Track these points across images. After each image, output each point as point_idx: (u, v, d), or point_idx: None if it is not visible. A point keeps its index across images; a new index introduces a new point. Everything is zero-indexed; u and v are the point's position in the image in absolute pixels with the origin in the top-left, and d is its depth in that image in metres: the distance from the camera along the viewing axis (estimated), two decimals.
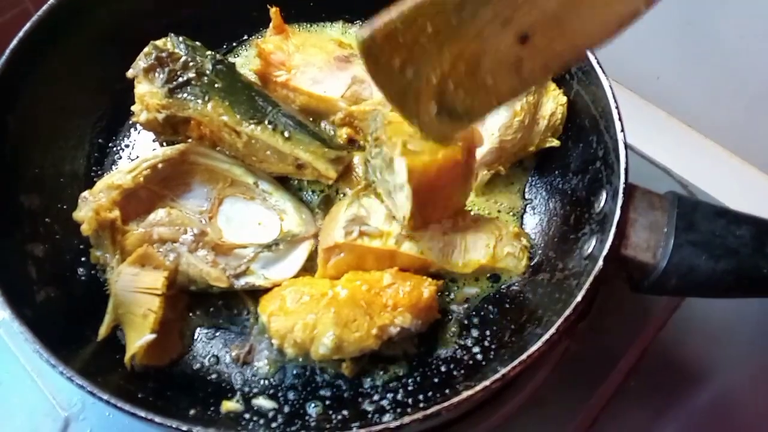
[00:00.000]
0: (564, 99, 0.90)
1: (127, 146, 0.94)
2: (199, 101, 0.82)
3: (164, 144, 0.90)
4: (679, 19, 1.14)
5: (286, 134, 0.83)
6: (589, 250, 0.76)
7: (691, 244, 0.72)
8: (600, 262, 0.70)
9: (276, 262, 0.83)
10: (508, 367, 0.64)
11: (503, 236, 0.84)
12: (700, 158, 1.23)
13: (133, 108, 0.85)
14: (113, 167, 0.92)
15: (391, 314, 0.71)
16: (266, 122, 0.83)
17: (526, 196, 0.93)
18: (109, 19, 0.91)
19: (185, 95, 0.82)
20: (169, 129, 0.86)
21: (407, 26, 0.60)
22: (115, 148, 0.94)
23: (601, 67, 0.83)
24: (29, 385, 0.85)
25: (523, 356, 0.64)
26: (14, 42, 0.82)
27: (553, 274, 0.81)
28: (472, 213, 0.87)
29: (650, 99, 1.28)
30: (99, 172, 0.91)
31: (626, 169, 0.76)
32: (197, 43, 0.87)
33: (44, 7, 0.84)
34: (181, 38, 0.85)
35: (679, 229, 0.73)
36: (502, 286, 0.85)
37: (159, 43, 0.84)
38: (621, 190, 0.74)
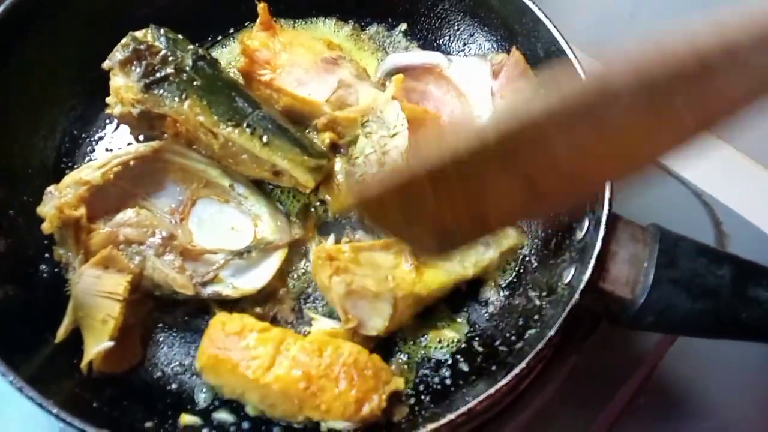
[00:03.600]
0: None
1: (101, 138, 0.91)
2: (176, 99, 0.79)
3: (139, 138, 0.87)
4: (698, 12, 1.13)
5: (265, 139, 0.80)
6: (568, 279, 0.75)
7: (671, 281, 0.70)
8: (576, 295, 0.68)
9: (246, 271, 0.80)
10: (474, 402, 0.62)
11: None
12: (716, 164, 1.21)
13: (107, 100, 0.81)
14: (85, 159, 0.89)
15: (321, 416, 0.68)
16: (244, 125, 0.80)
17: None
18: (88, 4, 0.87)
19: (161, 91, 0.79)
20: (144, 124, 0.83)
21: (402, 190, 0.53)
22: (88, 139, 0.90)
23: None
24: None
25: (491, 390, 0.63)
26: None
27: (529, 300, 0.79)
28: None
29: None
30: (70, 164, 0.88)
31: (610, 200, 0.74)
32: (179, 36, 0.84)
33: None
34: (162, 30, 0.82)
35: (660, 265, 0.71)
36: (477, 317, 0.83)
37: (138, 34, 0.81)
38: (603, 221, 0.72)
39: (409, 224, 0.57)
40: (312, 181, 0.83)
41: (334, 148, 0.90)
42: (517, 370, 0.64)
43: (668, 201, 1.04)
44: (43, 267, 0.79)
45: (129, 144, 0.89)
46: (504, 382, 0.63)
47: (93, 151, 0.90)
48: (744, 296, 0.69)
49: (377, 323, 0.76)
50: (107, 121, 0.91)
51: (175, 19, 0.88)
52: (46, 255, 0.79)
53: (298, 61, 0.91)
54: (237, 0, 0.96)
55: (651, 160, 0.54)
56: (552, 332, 0.66)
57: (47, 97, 0.86)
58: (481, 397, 0.62)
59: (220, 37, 1.00)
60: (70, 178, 0.78)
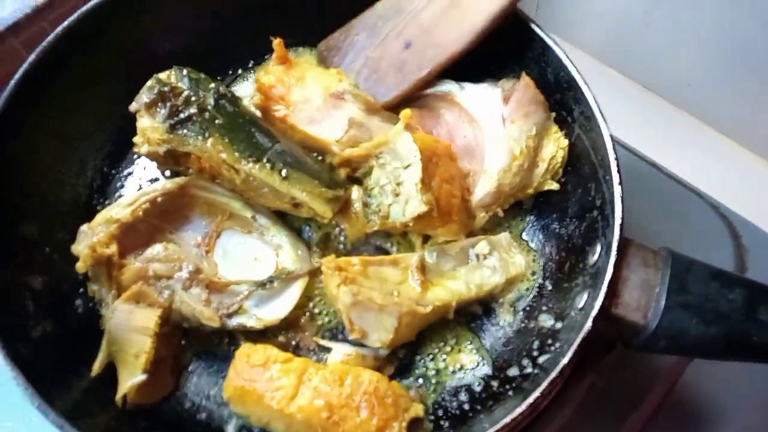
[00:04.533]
0: (565, 142, 0.89)
1: (130, 174, 0.95)
2: (199, 138, 0.82)
3: (166, 174, 0.91)
4: (711, 25, 1.13)
5: (284, 173, 0.84)
6: (581, 305, 0.76)
7: (683, 306, 0.72)
8: (589, 323, 0.70)
9: (269, 301, 0.84)
10: (491, 430, 0.64)
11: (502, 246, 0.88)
12: (732, 167, 1.21)
13: (134, 140, 0.85)
14: (116, 195, 0.93)
15: None
16: (264, 160, 0.83)
17: (524, 237, 0.93)
18: (115, 46, 0.92)
19: (185, 131, 0.82)
20: (170, 160, 0.87)
21: (345, 36, 0.98)
22: (118, 176, 0.95)
23: (602, 114, 0.83)
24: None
25: (507, 419, 0.65)
26: (20, 71, 0.83)
27: (544, 324, 0.81)
28: None
29: (682, 106, 1.28)
30: (101, 200, 0.92)
31: (621, 225, 0.75)
32: (202, 74, 0.87)
33: (49, 37, 0.85)
34: (185, 71, 0.85)
35: (671, 290, 0.72)
36: (494, 341, 0.85)
37: (162, 76, 0.84)
38: (615, 247, 0.74)
39: None
40: (330, 211, 0.86)
41: (350, 179, 0.93)
42: (531, 399, 0.66)
43: (686, 214, 1.06)
44: (78, 302, 0.83)
45: (156, 179, 0.94)
46: (520, 411, 0.65)
47: (123, 186, 0.94)
48: (756, 319, 0.70)
49: (381, 336, 0.78)
50: (135, 157, 0.96)
51: (197, 54, 0.92)
52: (81, 290, 0.83)
53: (310, 97, 0.92)
54: (255, 33, 0.99)
55: None
56: (566, 360, 0.68)
57: (77, 135, 0.90)
58: (499, 426, 0.64)
59: (240, 71, 1.04)
60: (101, 216, 0.82)
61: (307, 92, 0.93)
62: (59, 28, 0.86)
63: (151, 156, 0.87)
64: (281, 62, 0.95)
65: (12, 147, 0.82)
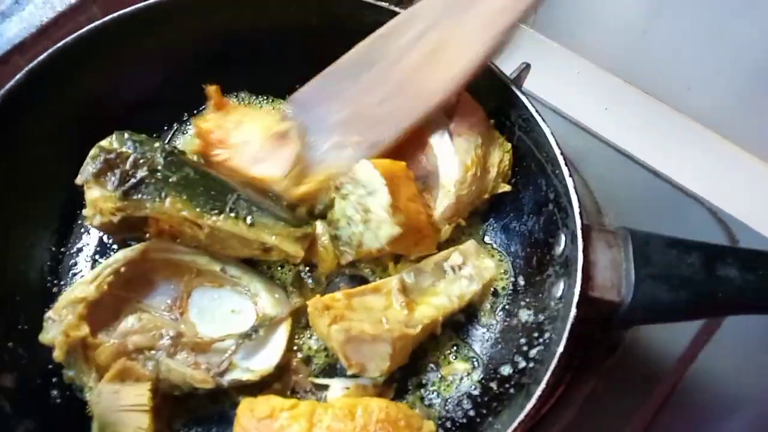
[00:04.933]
0: (508, 146, 0.94)
1: (80, 250, 0.91)
2: (156, 199, 0.80)
3: (123, 243, 0.87)
4: (711, 30, 1.16)
5: (249, 220, 0.83)
6: (559, 294, 0.80)
7: (651, 277, 0.77)
8: (573, 309, 0.74)
9: (258, 350, 0.82)
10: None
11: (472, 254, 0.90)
12: (731, 171, 1.23)
13: (84, 213, 0.81)
14: (70, 274, 0.89)
15: None
16: (227, 210, 0.82)
17: (486, 241, 0.97)
18: (50, 116, 0.88)
19: (140, 195, 0.80)
20: (126, 228, 0.84)
21: (319, 90, 0.91)
22: (68, 253, 0.90)
23: (539, 114, 0.88)
24: None
25: (521, 416, 0.67)
26: None
27: (526, 319, 0.85)
28: None
29: (682, 111, 1.31)
30: (56, 282, 0.88)
31: (581, 213, 0.80)
32: (143, 135, 0.85)
33: None
34: (126, 134, 0.83)
35: (637, 264, 0.78)
36: (482, 345, 0.87)
37: (105, 143, 0.81)
38: (579, 235, 0.78)
39: None
40: (300, 250, 0.86)
41: (310, 215, 0.93)
42: (538, 392, 0.69)
43: (685, 219, 1.08)
44: (54, 393, 0.78)
45: (108, 248, 0.90)
46: (530, 406, 0.68)
47: (76, 264, 0.90)
48: (716, 277, 0.77)
49: (379, 365, 0.79)
50: (83, 231, 0.91)
51: (129, 116, 0.89)
52: (54, 380, 0.78)
53: (250, 139, 0.92)
54: (188, 85, 0.98)
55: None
56: (561, 348, 0.71)
57: (21, 221, 0.85)
58: (515, 425, 0.66)
59: (176, 125, 1.01)
60: (64, 299, 0.78)
61: (247, 134, 0.93)
62: None
63: (104, 227, 0.83)
64: (218, 108, 0.94)
65: None
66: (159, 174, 0.82)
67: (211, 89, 0.93)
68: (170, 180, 0.82)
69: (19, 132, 0.85)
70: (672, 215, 0.94)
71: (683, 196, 1.08)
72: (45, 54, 0.85)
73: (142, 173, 0.81)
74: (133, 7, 0.88)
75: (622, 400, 0.91)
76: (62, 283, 0.87)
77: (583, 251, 0.78)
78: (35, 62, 0.85)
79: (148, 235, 0.86)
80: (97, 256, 0.90)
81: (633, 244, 0.79)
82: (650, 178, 1.11)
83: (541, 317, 0.82)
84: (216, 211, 0.82)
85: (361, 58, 0.88)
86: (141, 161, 0.81)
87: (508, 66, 0.97)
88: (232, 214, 0.82)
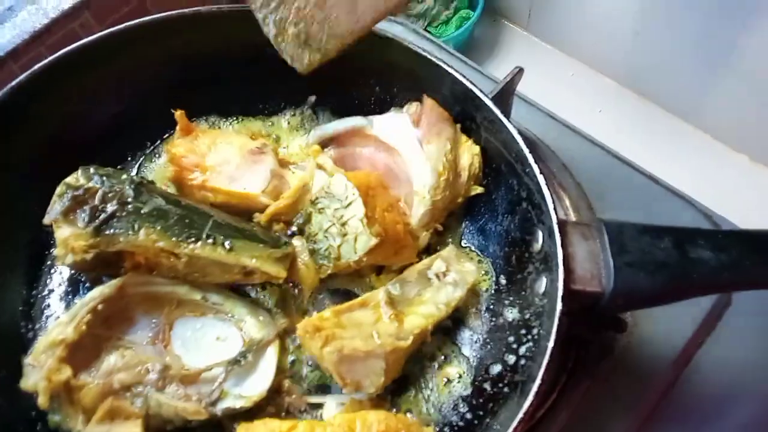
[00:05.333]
0: (477, 148, 0.95)
1: (51, 291, 0.88)
2: (129, 232, 0.78)
3: (97, 280, 0.85)
4: (703, 32, 1.17)
5: (227, 245, 0.82)
6: (542, 290, 0.82)
7: (628, 265, 0.79)
8: (559, 304, 0.75)
9: (248, 376, 0.81)
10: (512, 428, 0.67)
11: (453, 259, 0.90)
12: (726, 173, 1.24)
13: (55, 252, 0.79)
14: (44, 316, 0.86)
15: None
16: (204, 237, 0.81)
17: (464, 244, 0.98)
18: (5, 160, 0.85)
19: (113, 231, 0.78)
20: (99, 265, 0.82)
21: None
22: (39, 296, 0.87)
23: (504, 114, 0.90)
24: None
25: (520, 414, 0.68)
26: None
27: (512, 318, 0.86)
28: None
29: (675, 113, 1.32)
30: (30, 326, 0.85)
31: (555, 209, 0.82)
32: (109, 169, 0.83)
33: None
34: (92, 169, 0.81)
35: (614, 254, 0.80)
36: (471, 347, 0.88)
37: (71, 180, 0.79)
38: (557, 230, 0.80)
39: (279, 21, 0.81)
40: (283, 270, 0.85)
41: (287, 234, 0.92)
42: (535, 388, 0.70)
43: (679, 221, 1.00)
44: None
45: (78, 286, 0.88)
46: (528, 403, 0.69)
47: (49, 306, 0.87)
48: (689, 259, 0.79)
49: (374, 381, 0.79)
50: (52, 271, 0.89)
51: (92, 148, 0.87)
52: (38, 426, 0.75)
53: (227, 158, 0.93)
54: (151, 113, 0.97)
55: None
56: (551, 343, 0.73)
57: None
58: (515, 423, 0.67)
59: (140, 155, 0.99)
60: (42, 343, 0.75)
61: (223, 155, 0.93)
62: None
63: (77, 266, 0.81)
64: (185, 133, 0.93)
65: None
66: (130, 206, 0.80)
67: (177, 114, 0.92)
68: (142, 211, 0.80)
69: None
70: (667, 218, 0.92)
71: (678, 199, 1.08)
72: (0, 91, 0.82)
73: (112, 207, 0.79)
74: (88, 39, 0.86)
75: (617, 401, 0.92)
76: (37, 326, 0.84)
77: (562, 245, 0.79)
78: None
79: (123, 270, 0.83)
80: (70, 296, 0.88)
81: (608, 234, 0.82)
82: (644, 180, 1.11)
83: (527, 314, 0.84)
84: (192, 239, 0.80)
85: None
86: (110, 195, 0.79)
87: (501, 70, 0.98)
88: (210, 241, 0.81)
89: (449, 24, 1.93)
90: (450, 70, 0.92)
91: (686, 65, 1.31)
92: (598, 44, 1.46)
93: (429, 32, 1.33)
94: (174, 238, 0.80)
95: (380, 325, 0.82)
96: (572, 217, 1.06)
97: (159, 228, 0.79)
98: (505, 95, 1.04)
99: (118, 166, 0.95)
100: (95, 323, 0.79)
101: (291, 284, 0.91)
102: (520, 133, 0.87)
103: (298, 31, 0.84)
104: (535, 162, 0.85)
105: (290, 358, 0.86)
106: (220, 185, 0.91)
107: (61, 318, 0.78)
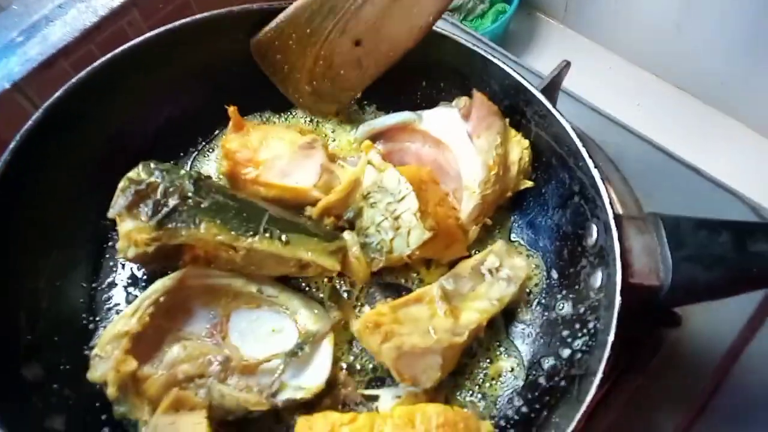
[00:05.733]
0: (526, 142, 0.95)
1: (112, 284, 0.90)
2: (191, 226, 0.79)
3: (156, 273, 0.87)
4: (744, 25, 1.18)
5: (284, 238, 0.83)
6: (598, 284, 0.82)
7: (686, 259, 0.79)
8: (618, 298, 0.75)
9: (305, 368, 0.82)
10: (575, 421, 0.67)
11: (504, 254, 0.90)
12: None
13: (118, 246, 0.81)
14: (105, 308, 0.88)
15: None
16: (261, 231, 0.82)
17: (513, 238, 0.98)
18: (67, 158, 0.87)
19: (175, 223, 0.79)
20: (159, 258, 0.83)
21: (278, 34, 0.92)
22: (100, 288, 0.89)
23: (557, 109, 0.90)
24: None
25: (578, 416, 0.68)
26: None
27: (565, 311, 0.86)
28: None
29: (716, 106, 1.32)
30: (92, 318, 0.86)
31: (611, 202, 0.82)
32: (168, 164, 0.84)
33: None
34: (152, 164, 0.82)
35: (671, 248, 0.79)
36: (524, 341, 0.88)
37: (133, 175, 0.81)
38: (613, 224, 0.80)
39: (292, 78, 0.95)
40: (337, 264, 0.86)
41: (336, 228, 0.93)
42: (596, 381, 0.70)
43: (724, 215, 1.01)
44: (106, 431, 0.77)
45: (137, 280, 0.90)
46: (590, 396, 0.69)
47: (110, 299, 0.89)
48: (748, 253, 0.79)
49: (431, 376, 0.79)
50: (112, 264, 0.90)
51: (148, 146, 0.89)
52: (104, 417, 0.77)
53: (278, 153, 0.94)
54: (201, 112, 0.98)
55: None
56: (611, 337, 0.73)
57: (51, 262, 0.84)
58: (578, 416, 0.67)
59: (192, 151, 1.01)
60: (107, 334, 0.77)
61: (274, 150, 0.94)
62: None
63: (138, 258, 0.83)
64: (237, 128, 0.94)
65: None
66: (190, 201, 0.81)
67: (230, 110, 0.93)
68: (202, 206, 0.81)
69: (39, 172, 0.84)
70: (712, 211, 0.90)
71: (723, 192, 1.08)
72: (61, 90, 0.84)
73: (174, 201, 0.80)
74: (142, 38, 0.88)
75: (667, 396, 0.92)
76: (98, 318, 0.86)
77: (618, 239, 0.79)
78: (52, 99, 0.83)
79: (182, 263, 0.85)
80: (130, 288, 0.89)
81: (665, 229, 0.81)
82: (689, 173, 1.11)
83: (581, 308, 0.84)
84: (251, 233, 0.82)
85: (319, 6, 0.90)
86: (171, 189, 0.81)
87: (548, 64, 0.98)
88: (267, 234, 0.82)
89: (485, 17, 1.94)
90: (500, 64, 0.93)
91: (727, 58, 1.30)
92: (637, 37, 1.44)
93: (465, 26, 1.32)
94: (233, 232, 0.81)
95: (436, 321, 0.83)
96: (619, 211, 1.06)
97: (219, 222, 0.81)
98: (552, 89, 1.04)
99: (172, 162, 0.96)
100: (158, 315, 0.81)
101: (342, 278, 0.92)
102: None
103: (311, 89, 0.97)
104: (590, 156, 0.85)
105: (344, 351, 0.87)
106: (273, 180, 0.92)
107: (125, 310, 0.80)
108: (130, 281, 0.90)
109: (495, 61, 0.93)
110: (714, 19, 1.22)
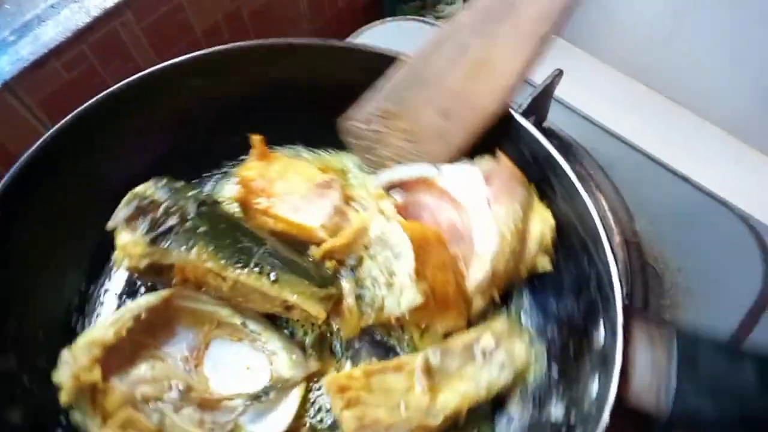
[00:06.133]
0: (551, 220, 0.88)
1: (107, 290, 0.92)
2: (183, 248, 0.80)
3: (148, 284, 0.88)
4: (737, 38, 1.18)
5: (273, 276, 0.81)
6: (594, 393, 0.73)
7: (695, 386, 0.69)
8: (605, 417, 0.67)
9: (266, 414, 0.79)
10: None
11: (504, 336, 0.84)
12: (760, 178, 1.26)
13: (113, 257, 0.82)
14: (95, 313, 0.89)
15: None
16: (251, 265, 0.81)
17: (522, 319, 0.91)
18: (88, 165, 0.90)
19: (168, 243, 0.80)
20: (152, 273, 0.84)
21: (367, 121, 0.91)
22: (96, 293, 0.91)
23: (583, 187, 0.82)
24: None
25: None
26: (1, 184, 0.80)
27: (556, 415, 0.78)
28: None
29: (707, 117, 1.33)
30: (81, 320, 0.88)
31: (623, 304, 0.74)
32: (180, 182, 0.85)
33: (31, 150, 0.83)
34: (164, 181, 0.83)
35: (682, 370, 0.70)
36: None
37: (139, 189, 0.82)
38: (620, 329, 0.72)
39: (378, 159, 0.93)
40: (323, 311, 0.83)
41: (337, 272, 0.90)
42: None
43: (714, 226, 1.07)
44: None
45: (136, 291, 0.91)
46: None
47: (102, 304, 0.90)
48: None
49: None
50: (113, 272, 0.93)
51: (171, 164, 0.91)
52: (63, 420, 0.78)
53: (294, 189, 0.93)
54: (228, 136, 0.99)
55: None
56: None
57: (52, 261, 0.87)
58: None
59: (218, 175, 1.02)
60: (83, 339, 0.78)
61: (290, 183, 0.93)
62: (39, 142, 0.83)
63: (132, 271, 0.84)
64: (261, 157, 0.94)
65: None
66: (189, 223, 0.81)
67: (255, 139, 0.93)
68: (199, 230, 0.81)
69: (55, 181, 0.86)
70: (702, 221, 0.97)
71: (714, 201, 1.08)
72: (94, 100, 0.86)
73: (172, 221, 0.81)
74: (179, 59, 0.89)
75: None
76: (86, 321, 0.88)
77: (623, 348, 0.71)
78: (78, 112, 0.85)
79: (174, 282, 0.85)
80: (125, 297, 0.91)
81: (680, 344, 0.72)
82: (680, 183, 1.11)
83: (572, 417, 0.75)
84: (240, 265, 0.80)
85: (405, 78, 0.89)
86: (173, 209, 0.81)
87: (540, 73, 0.96)
88: (256, 269, 0.81)
89: None
90: (532, 130, 0.87)
91: (721, 71, 1.28)
92: (631, 50, 1.50)
93: None
94: (223, 261, 0.80)
95: (411, 396, 0.77)
96: (610, 220, 1.03)
97: (211, 249, 0.80)
98: (544, 98, 0.99)
99: (193, 181, 0.97)
100: (137, 330, 0.81)
101: (331, 326, 0.89)
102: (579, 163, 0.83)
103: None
104: (609, 243, 0.78)
105: (314, 403, 0.83)
106: (283, 213, 0.91)
107: (104, 319, 0.80)
108: (127, 290, 0.92)
109: (526, 125, 0.88)
110: (704, 33, 1.25)
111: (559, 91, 1.03)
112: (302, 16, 1.56)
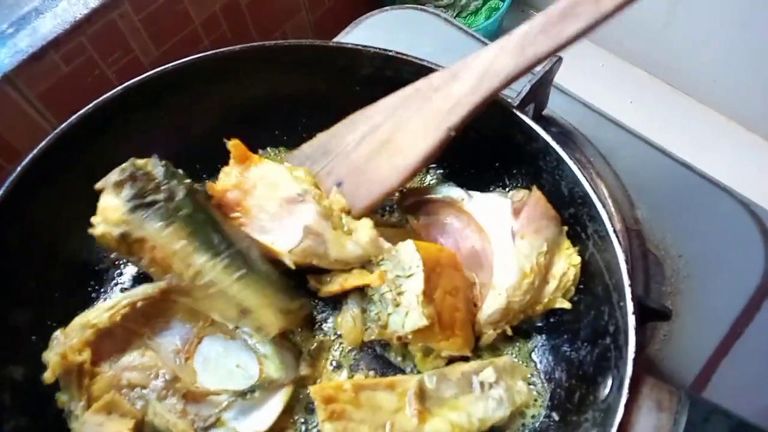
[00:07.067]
0: (578, 260, 0.84)
1: (126, 263, 0.93)
2: (160, 224, 0.75)
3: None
4: (735, 22, 1.18)
5: (237, 275, 0.77)
6: None
7: None
8: None
9: (250, 412, 0.78)
10: None
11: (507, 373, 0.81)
12: (759, 163, 1.25)
13: (92, 219, 0.77)
14: (112, 283, 0.91)
15: None
16: (220, 258, 0.76)
17: (533, 358, 0.86)
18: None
19: (146, 215, 0.74)
20: (123, 246, 0.77)
21: None
22: (114, 263, 0.92)
23: (617, 235, 0.77)
24: None
25: None
26: (24, 162, 0.82)
27: None
28: None
29: (707, 103, 1.33)
30: (98, 289, 0.90)
31: (634, 359, 0.69)
32: (179, 170, 0.80)
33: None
34: (163, 162, 0.79)
35: None
36: None
37: (140, 162, 0.77)
38: (626, 385, 0.67)
39: None
40: (277, 323, 0.79)
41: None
42: None
43: (714, 212, 1.05)
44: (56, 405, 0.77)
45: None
46: None
47: (122, 274, 0.92)
48: None
49: None
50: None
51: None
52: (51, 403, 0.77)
53: (263, 205, 0.86)
54: (232, 138, 0.91)
55: None
56: None
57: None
58: None
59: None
60: (78, 320, 0.77)
61: (261, 198, 0.86)
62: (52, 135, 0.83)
63: (103, 239, 0.77)
64: (240, 161, 0.88)
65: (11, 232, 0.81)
66: (173, 203, 0.76)
67: (232, 144, 0.87)
68: (181, 212, 0.76)
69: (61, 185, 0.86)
70: (703, 207, 0.95)
71: (714, 188, 1.06)
72: (105, 95, 0.85)
73: (158, 196, 0.75)
74: (191, 57, 0.87)
75: None
76: (102, 291, 0.89)
77: (626, 406, 0.66)
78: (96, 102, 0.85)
79: (142, 262, 0.78)
80: (142, 278, 0.90)
81: (690, 416, 0.66)
82: (680, 169, 1.09)
83: None
84: (209, 254, 0.76)
85: (314, 150, 0.92)
86: (163, 187, 0.76)
87: None
88: (223, 263, 0.76)
89: (478, 14, 1.98)
90: (574, 168, 0.82)
91: (719, 56, 1.26)
92: (629, 34, 1.50)
93: (459, 22, 1.33)
94: (195, 244, 0.75)
95: (398, 418, 0.74)
96: (610, 206, 1.01)
97: (188, 231, 0.75)
98: (543, 85, 0.94)
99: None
100: (131, 318, 0.79)
101: (336, 335, 0.87)
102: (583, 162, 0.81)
103: None
104: (632, 299, 0.72)
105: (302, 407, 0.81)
106: (252, 233, 0.84)
107: (102, 304, 0.79)
108: (142, 273, 0.91)
109: (569, 162, 0.83)
110: (702, 18, 1.23)
111: (558, 78, 0.99)
112: (301, 5, 1.53)
